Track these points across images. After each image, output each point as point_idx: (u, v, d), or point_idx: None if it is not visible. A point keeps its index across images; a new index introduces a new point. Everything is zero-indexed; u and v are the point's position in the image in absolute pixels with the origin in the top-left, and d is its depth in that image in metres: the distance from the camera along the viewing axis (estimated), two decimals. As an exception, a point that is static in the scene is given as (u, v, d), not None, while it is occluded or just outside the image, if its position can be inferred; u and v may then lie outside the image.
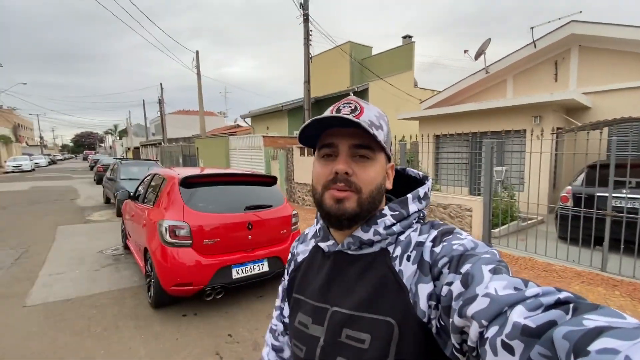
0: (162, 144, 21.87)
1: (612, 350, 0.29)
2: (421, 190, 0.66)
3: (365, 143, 0.61)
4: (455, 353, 0.48)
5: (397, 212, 0.63)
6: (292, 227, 3.96)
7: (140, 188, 4.93)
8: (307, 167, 9.59)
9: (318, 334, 0.63)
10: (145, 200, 4.25)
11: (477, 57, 9.90)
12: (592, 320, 0.32)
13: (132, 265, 4.89)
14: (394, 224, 0.62)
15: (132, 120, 42.84)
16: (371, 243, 0.63)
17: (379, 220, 0.62)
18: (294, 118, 14.29)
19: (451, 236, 0.57)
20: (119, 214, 8.40)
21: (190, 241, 3.25)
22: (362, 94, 12.51)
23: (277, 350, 0.83)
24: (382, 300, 0.57)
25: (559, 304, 0.38)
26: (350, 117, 0.58)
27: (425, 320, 0.53)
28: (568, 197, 5.14)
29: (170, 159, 19.23)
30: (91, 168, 26.33)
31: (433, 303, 0.52)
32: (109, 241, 6.24)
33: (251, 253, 3.54)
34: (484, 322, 0.40)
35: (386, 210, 0.63)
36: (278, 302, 0.83)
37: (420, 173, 0.72)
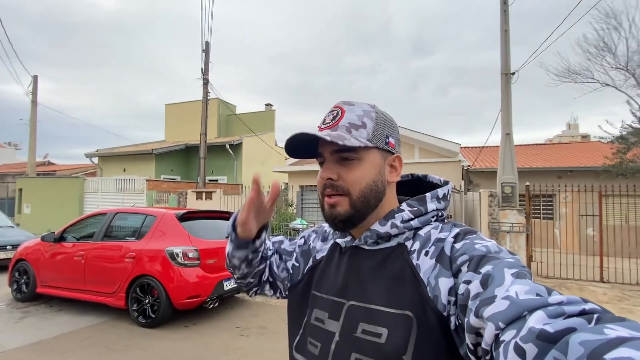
0: None
1: (627, 359, 0.27)
2: (440, 191, 0.66)
3: (346, 146, 0.61)
4: (469, 354, 0.47)
5: (415, 208, 0.63)
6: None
7: (83, 229, 4.90)
8: (197, 211, 10.21)
9: (334, 329, 0.63)
10: (110, 238, 4.55)
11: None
12: (613, 331, 0.31)
13: (60, 313, 4.62)
14: (411, 219, 0.63)
15: None
16: (388, 237, 0.63)
17: (396, 215, 0.63)
18: (163, 162, 14.12)
19: (474, 235, 0.57)
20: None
21: (198, 262, 4.18)
22: (238, 147, 14.26)
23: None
24: (399, 293, 0.57)
25: (583, 314, 0.36)
26: (310, 132, 0.61)
27: (445, 314, 0.52)
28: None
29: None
30: None
31: (452, 299, 0.52)
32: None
33: (234, 270, 4.70)
34: (501, 325, 0.39)
35: (404, 206, 0.64)
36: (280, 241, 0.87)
37: (442, 179, 0.72)
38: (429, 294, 0.54)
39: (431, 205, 0.64)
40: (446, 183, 0.70)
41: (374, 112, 0.66)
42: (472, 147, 15.33)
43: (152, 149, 13.22)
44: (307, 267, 0.76)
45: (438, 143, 12.13)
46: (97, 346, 3.52)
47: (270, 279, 0.83)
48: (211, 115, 16.79)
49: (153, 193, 10.03)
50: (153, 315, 4.03)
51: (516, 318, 0.39)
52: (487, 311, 0.42)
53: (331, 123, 0.64)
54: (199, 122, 17.46)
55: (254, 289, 0.85)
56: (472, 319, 0.44)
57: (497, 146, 10.87)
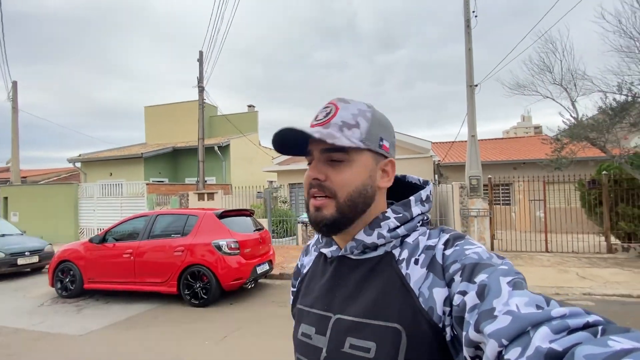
0: None
1: None
2: (423, 193, 0.65)
3: (336, 146, 0.58)
4: None
5: (400, 215, 0.62)
6: (271, 243, 6.28)
7: (124, 231, 5.60)
8: (198, 211, 10.88)
9: (321, 344, 0.61)
10: (155, 236, 5.32)
11: (311, 131, 14.97)
12: (617, 343, 0.31)
13: (111, 304, 5.33)
14: (398, 227, 0.61)
15: None
16: (375, 247, 0.62)
17: (382, 223, 0.61)
18: (152, 166, 14.40)
19: (463, 241, 0.56)
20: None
21: (238, 251, 5.09)
22: (225, 148, 14.87)
23: None
24: (388, 305, 0.55)
25: (587, 327, 0.36)
26: (298, 127, 0.57)
27: (440, 325, 0.51)
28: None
29: None
30: None
31: (447, 309, 0.51)
32: (10, 302, 5.70)
33: (263, 258, 5.65)
34: (504, 342, 0.39)
35: (389, 213, 0.62)
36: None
37: (421, 179, 0.70)
38: (423, 305, 0.53)
39: (416, 210, 0.63)
40: (426, 183, 0.69)
41: (369, 112, 0.63)
42: (442, 143, 17.04)
43: (142, 153, 13.48)
44: (296, 284, 0.77)
45: (412, 141, 13.59)
46: (169, 322, 4.36)
47: None
48: (192, 116, 17.18)
49: (153, 196, 10.50)
50: (205, 297, 4.90)
51: (519, 334, 0.38)
52: (489, 327, 0.41)
53: (323, 120, 0.61)
54: (182, 124, 17.78)
55: None
56: (471, 334, 0.43)
57: (465, 141, 12.51)
